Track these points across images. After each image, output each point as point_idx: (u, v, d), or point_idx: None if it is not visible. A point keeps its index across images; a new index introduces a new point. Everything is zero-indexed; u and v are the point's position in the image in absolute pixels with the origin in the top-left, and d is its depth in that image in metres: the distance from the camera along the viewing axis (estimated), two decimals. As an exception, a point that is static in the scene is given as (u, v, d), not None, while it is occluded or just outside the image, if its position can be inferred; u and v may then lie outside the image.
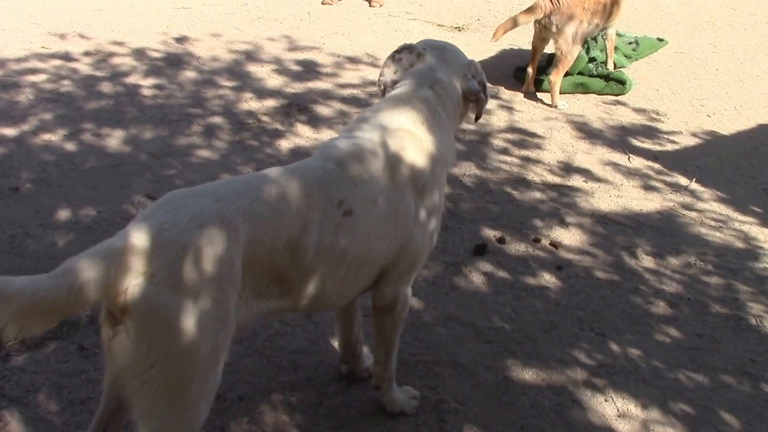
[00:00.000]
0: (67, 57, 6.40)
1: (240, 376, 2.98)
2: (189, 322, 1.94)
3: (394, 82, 2.75)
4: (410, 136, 2.55)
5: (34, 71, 6.04)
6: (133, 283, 1.89)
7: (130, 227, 1.99)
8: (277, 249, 2.17)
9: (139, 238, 1.93)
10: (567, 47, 6.06)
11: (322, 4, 8.44)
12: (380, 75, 2.81)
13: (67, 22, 7.34)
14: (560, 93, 6.23)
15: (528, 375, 3.16)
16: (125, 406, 2.14)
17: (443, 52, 2.79)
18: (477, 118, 2.89)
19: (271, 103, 5.71)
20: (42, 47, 6.61)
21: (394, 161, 2.49)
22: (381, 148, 2.48)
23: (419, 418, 2.87)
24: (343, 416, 2.86)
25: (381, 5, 8.63)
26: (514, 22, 6.10)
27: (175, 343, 1.93)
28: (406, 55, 2.78)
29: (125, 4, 8.10)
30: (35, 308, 1.78)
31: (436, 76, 2.70)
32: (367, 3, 8.63)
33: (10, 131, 4.97)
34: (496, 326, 3.43)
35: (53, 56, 6.40)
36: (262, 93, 5.86)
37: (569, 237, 4.24)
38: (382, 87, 2.78)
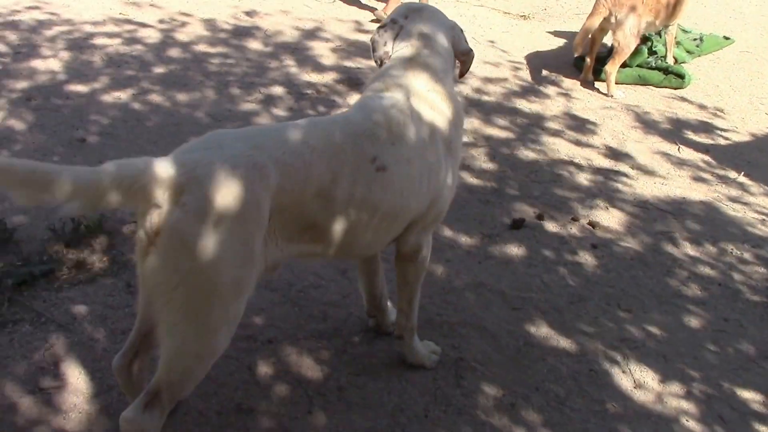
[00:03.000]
0: (141, 24, 6.67)
1: (272, 321, 3.15)
2: (211, 251, 2.10)
3: (388, 54, 2.84)
4: (435, 96, 2.69)
5: (109, 35, 6.33)
6: (166, 209, 2.07)
7: (173, 157, 2.16)
8: (306, 198, 2.32)
9: (177, 169, 2.10)
10: (624, 39, 6.08)
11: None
12: (373, 51, 2.89)
13: (144, -9, 7.62)
14: (618, 83, 6.26)
15: (549, 342, 3.25)
16: (155, 328, 2.33)
17: (424, 13, 2.90)
18: (461, 75, 3.04)
19: (330, 76, 5.87)
20: (120, 13, 6.90)
21: (426, 120, 2.63)
22: (412, 108, 2.61)
23: (438, 373, 3.00)
24: (365, 364, 3.00)
25: None
26: (586, 31, 6.13)
27: (197, 268, 2.11)
28: (390, 26, 2.87)
29: (201, -23, 8.35)
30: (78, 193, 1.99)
31: (429, 38, 2.81)
32: None
33: (82, 88, 5.25)
34: (524, 296, 3.53)
35: (129, 22, 6.68)
36: (322, 67, 6.03)
37: (608, 218, 4.30)
38: (379, 61, 2.87)
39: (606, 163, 4.98)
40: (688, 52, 7.25)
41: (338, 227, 2.43)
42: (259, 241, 2.24)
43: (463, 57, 2.94)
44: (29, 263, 3.36)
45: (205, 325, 2.20)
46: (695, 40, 7.51)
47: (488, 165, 4.77)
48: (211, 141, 2.27)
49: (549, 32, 7.57)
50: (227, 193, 2.12)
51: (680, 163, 5.11)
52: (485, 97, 5.83)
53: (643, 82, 6.52)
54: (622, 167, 4.95)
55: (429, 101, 2.67)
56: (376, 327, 3.20)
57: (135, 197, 2.08)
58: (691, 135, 5.59)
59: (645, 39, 6.63)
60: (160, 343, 2.25)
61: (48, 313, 3.10)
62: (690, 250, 4.09)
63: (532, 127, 5.39)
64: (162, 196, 2.09)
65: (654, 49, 6.76)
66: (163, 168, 2.10)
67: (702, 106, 6.20)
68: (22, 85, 5.23)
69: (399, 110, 2.58)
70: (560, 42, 7.31)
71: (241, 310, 2.30)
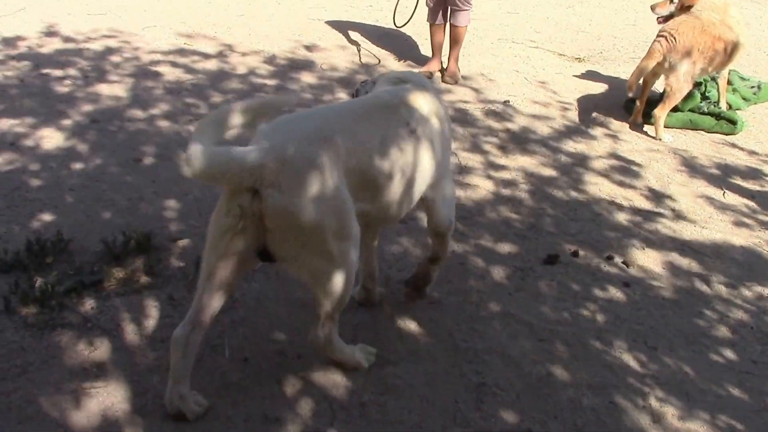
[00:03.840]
0: (204, 54, 6.98)
1: (302, 338, 3.27)
2: (315, 214, 2.59)
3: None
4: (432, 98, 3.27)
5: (173, 64, 6.64)
6: (265, 192, 2.52)
7: (258, 147, 2.57)
8: (364, 158, 2.82)
9: (264, 156, 2.53)
10: (677, 84, 6.12)
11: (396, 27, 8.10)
12: (355, 94, 3.53)
13: (210, 24, 7.96)
14: (668, 127, 6.30)
15: (572, 374, 3.31)
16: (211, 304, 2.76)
17: (409, 75, 3.49)
18: None
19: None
20: (185, 43, 7.22)
21: (437, 108, 3.24)
22: (426, 98, 3.20)
23: (459, 396, 3.09)
24: (389, 384, 3.11)
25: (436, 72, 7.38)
26: (640, 72, 6.20)
27: (310, 231, 2.62)
28: (372, 83, 3.49)
29: (265, 13, 8.68)
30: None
31: (415, 82, 3.36)
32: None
33: (142, 113, 5.53)
34: (551, 328, 3.60)
35: (193, 52, 6.99)
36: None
37: (644, 258, 4.34)
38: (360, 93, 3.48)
39: (647, 204, 5.02)
40: (744, 99, 7.23)
41: (386, 184, 2.93)
42: (345, 190, 2.71)
43: None
44: (81, 272, 3.59)
45: (338, 258, 2.74)
46: (753, 87, 7.49)
47: (528, 201, 4.86)
48: (284, 125, 2.73)
49: (602, 75, 7.63)
50: (311, 167, 2.59)
51: (723, 207, 5.12)
52: (531, 135, 5.92)
53: (694, 126, 6.53)
54: (663, 209, 4.98)
55: (436, 101, 3.28)
56: (364, 299, 3.58)
57: (229, 182, 2.56)
58: (737, 181, 5.58)
59: (697, 83, 6.66)
60: (311, 286, 2.84)
61: (94, 319, 3.31)
62: (724, 293, 4.10)
63: (575, 166, 5.46)
64: (257, 181, 2.52)
65: (707, 94, 6.78)
66: (253, 157, 2.51)
67: (752, 153, 6.18)
68: (87, 107, 5.54)
69: (417, 94, 3.16)
70: (612, 85, 7.37)
71: (358, 228, 2.79)
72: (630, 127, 6.40)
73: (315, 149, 2.62)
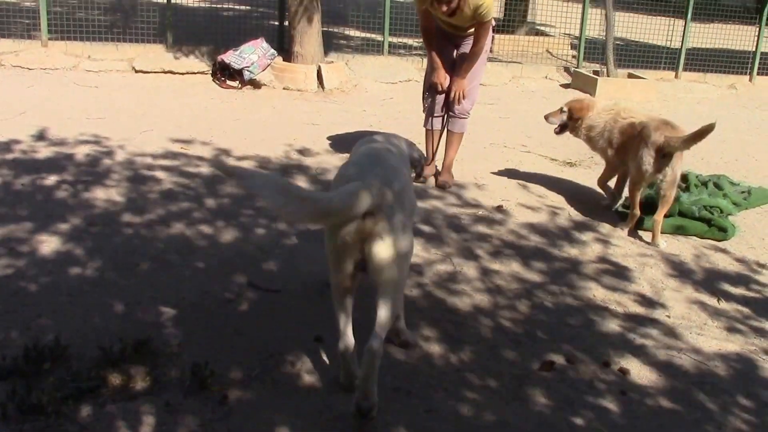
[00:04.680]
0: (199, 158, 7.10)
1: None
2: (404, 232, 3.49)
3: None
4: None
5: (167, 168, 6.75)
6: (372, 220, 3.34)
7: (360, 185, 3.36)
8: (404, 192, 3.66)
9: (371, 193, 3.33)
10: (672, 189, 6.22)
11: None
12: None
13: (206, 129, 8.14)
14: (662, 233, 6.38)
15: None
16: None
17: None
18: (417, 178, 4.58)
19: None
20: (181, 148, 7.35)
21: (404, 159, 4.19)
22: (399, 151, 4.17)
23: None
24: None
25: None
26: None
27: (402, 246, 3.44)
28: None
29: (260, 117, 8.89)
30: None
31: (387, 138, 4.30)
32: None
33: (138, 218, 5.59)
34: (549, 438, 3.57)
35: (188, 157, 7.12)
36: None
37: (640, 365, 4.33)
38: None
39: (641, 310, 5.04)
40: (735, 204, 7.33)
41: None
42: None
43: (415, 163, 4.38)
44: (78, 378, 3.58)
45: (405, 275, 3.63)
46: (743, 192, 7.62)
47: (521, 307, 4.87)
48: (361, 170, 3.56)
49: (593, 179, 7.77)
50: (389, 198, 3.41)
51: (717, 314, 5.14)
52: (523, 241, 5.99)
53: (684, 232, 6.61)
54: (658, 315, 5.00)
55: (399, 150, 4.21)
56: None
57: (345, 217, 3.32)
58: (731, 287, 5.62)
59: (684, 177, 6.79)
60: (381, 297, 3.46)
61: (91, 427, 3.28)
62: (723, 402, 4.08)
63: (568, 272, 5.51)
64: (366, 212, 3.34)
65: (696, 198, 6.86)
66: (365, 197, 3.28)
67: (744, 260, 6.24)
68: (84, 212, 5.61)
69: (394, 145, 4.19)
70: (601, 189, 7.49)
71: None
72: (629, 233, 6.45)
73: (385, 187, 3.46)
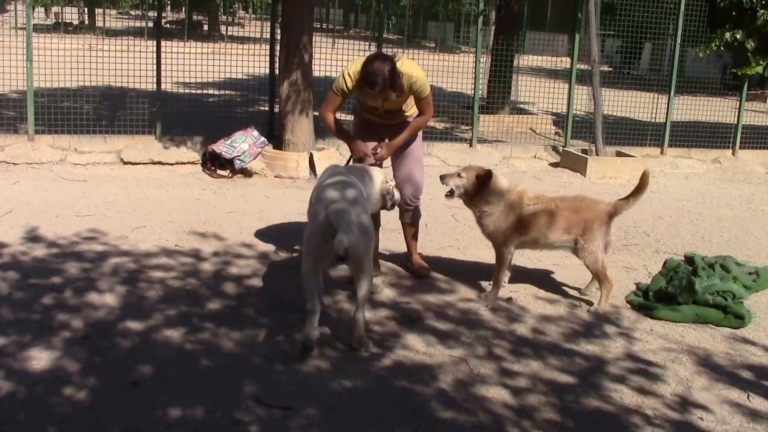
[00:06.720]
0: (197, 256, 6.81)
1: None
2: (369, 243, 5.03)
3: None
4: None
5: (164, 268, 6.45)
6: (346, 237, 4.71)
7: (337, 212, 4.88)
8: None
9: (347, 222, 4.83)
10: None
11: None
12: None
13: (201, 222, 7.88)
14: (679, 322, 6.13)
15: None
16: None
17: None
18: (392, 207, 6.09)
19: (382, 313, 5.84)
20: (175, 245, 7.07)
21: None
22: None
23: None
24: None
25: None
26: None
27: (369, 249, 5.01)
28: None
29: (255, 208, 8.65)
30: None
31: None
32: None
33: (136, 325, 5.26)
34: None
35: (184, 254, 6.83)
36: (374, 303, 6.01)
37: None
38: None
39: (674, 414, 4.74)
40: (746, 287, 7.09)
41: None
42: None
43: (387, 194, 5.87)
44: None
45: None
46: (751, 274, 7.39)
47: (549, 414, 4.56)
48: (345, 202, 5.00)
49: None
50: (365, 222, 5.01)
51: (753, 414, 4.85)
52: (541, 337, 5.71)
53: (702, 321, 6.36)
54: (692, 418, 4.70)
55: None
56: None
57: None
58: (761, 380, 5.34)
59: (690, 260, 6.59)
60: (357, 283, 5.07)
61: None
62: None
63: (593, 371, 5.21)
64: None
65: (709, 284, 6.62)
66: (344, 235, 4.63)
67: (766, 348, 5.98)
68: (77, 321, 5.27)
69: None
70: (617, 276, 7.25)
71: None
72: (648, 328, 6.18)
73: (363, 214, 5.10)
